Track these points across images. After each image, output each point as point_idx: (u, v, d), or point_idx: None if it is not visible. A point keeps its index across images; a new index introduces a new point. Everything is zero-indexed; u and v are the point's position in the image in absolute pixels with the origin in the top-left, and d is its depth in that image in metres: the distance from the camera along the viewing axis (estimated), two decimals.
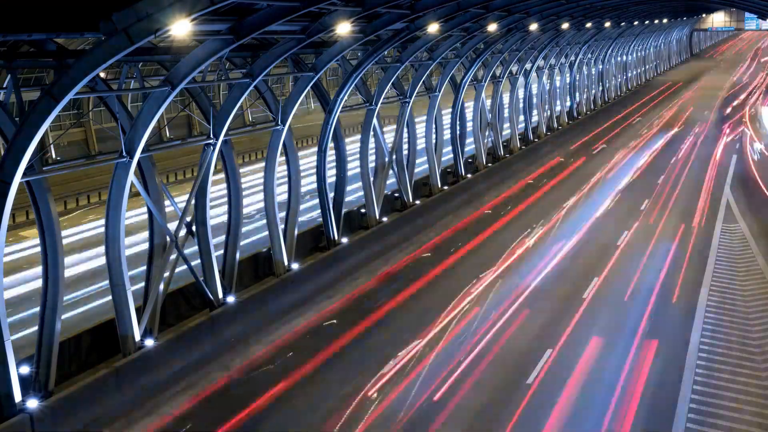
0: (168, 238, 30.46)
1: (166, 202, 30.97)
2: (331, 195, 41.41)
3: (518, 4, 45.38)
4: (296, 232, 38.48)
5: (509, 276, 39.42)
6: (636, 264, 40.66)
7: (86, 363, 28.40)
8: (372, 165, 46.14)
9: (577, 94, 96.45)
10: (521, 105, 75.75)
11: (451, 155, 58.28)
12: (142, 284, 30.34)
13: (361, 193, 45.83)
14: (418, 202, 50.46)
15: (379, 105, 45.20)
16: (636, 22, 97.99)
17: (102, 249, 28.23)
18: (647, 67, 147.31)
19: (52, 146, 64.08)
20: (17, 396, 24.10)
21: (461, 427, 25.22)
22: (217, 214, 41.80)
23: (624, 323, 33.00)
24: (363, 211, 45.83)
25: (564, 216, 51.28)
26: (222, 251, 34.07)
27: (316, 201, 41.32)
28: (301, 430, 25.61)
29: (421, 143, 53.44)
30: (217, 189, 39.78)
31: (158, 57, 31.89)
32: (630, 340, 31.20)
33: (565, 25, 64.04)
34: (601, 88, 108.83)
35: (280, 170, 37.33)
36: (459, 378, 28.41)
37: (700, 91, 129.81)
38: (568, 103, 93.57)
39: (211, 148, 31.96)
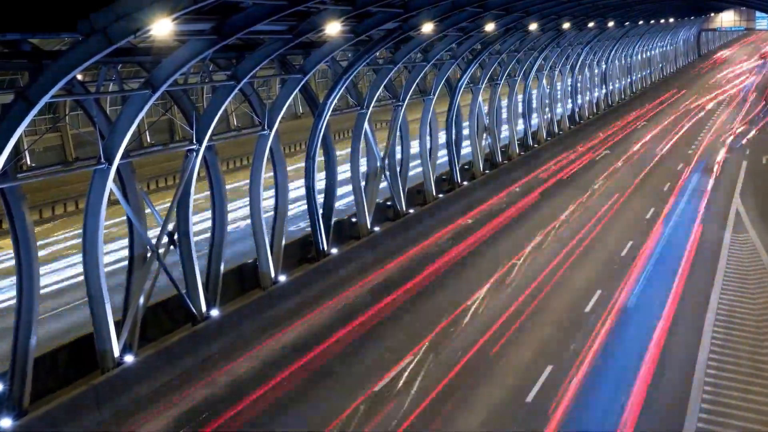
0: (149, 249, 30.52)
1: (147, 211, 31.11)
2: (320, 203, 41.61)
3: (517, 3, 45.56)
4: (284, 243, 38.56)
5: (504, 288, 39.57)
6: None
7: (63, 380, 28.41)
8: (363, 171, 46.27)
9: (579, 97, 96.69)
10: (520, 108, 75.96)
11: (447, 161, 58.38)
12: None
13: (352, 200, 45.94)
14: (411, 210, 50.56)
15: (370, 108, 45.32)
16: (641, 22, 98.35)
17: None
18: (653, 68, 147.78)
19: (26, 152, 64.03)
20: None
21: None
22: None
23: None
24: (354, 220, 45.92)
25: (562, 226, 51.42)
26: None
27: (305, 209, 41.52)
28: None
29: (414, 149, 53.58)
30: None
31: (138, 58, 31.99)
32: None
33: (566, 25, 64.30)
34: (604, 91, 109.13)
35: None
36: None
37: None
38: (570, 107, 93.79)
39: (194, 154, 32.05)
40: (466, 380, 29.46)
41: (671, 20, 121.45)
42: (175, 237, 32.13)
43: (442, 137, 57.73)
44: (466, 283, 40.51)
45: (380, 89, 46.12)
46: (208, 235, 34.65)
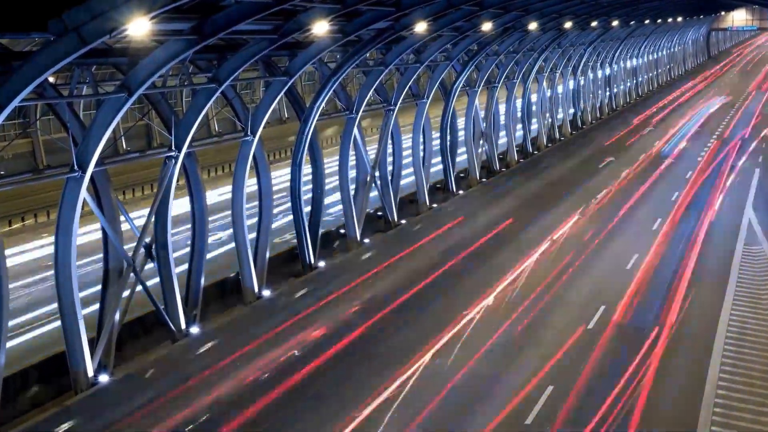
0: (125, 262, 30.54)
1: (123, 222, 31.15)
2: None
3: (515, 1, 45.78)
4: (268, 255, 38.61)
5: (508, 302, 39.63)
6: None
7: (34, 401, 28.43)
8: (352, 178, 46.37)
9: (582, 101, 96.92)
10: (519, 113, 76.12)
11: (441, 169, 58.50)
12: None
13: (341, 211, 46.01)
14: (404, 221, 50.63)
15: (360, 113, 45.43)
16: (647, 21, 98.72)
17: None
18: (660, 70, 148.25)
19: None
20: None
21: None
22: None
23: None
24: (342, 231, 45.99)
25: (560, 240, 51.53)
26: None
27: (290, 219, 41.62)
28: None
29: (407, 156, 53.68)
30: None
31: (114, 60, 32.09)
32: None
33: (567, 25, 64.53)
34: (608, 95, 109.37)
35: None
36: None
37: None
38: (572, 111, 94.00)
39: (173, 161, 32.10)
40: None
41: (679, 19, 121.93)
42: (153, 249, 32.18)
43: (436, 143, 57.87)
44: (462, 296, 40.52)
45: (371, 92, 46.27)
46: None
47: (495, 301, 39.60)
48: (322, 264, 41.79)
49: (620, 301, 38.45)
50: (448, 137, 58.48)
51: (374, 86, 46.24)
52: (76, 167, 27.40)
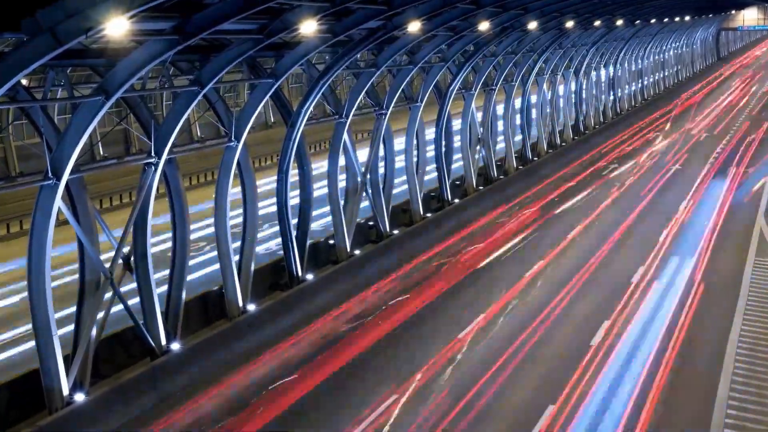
0: (102, 275, 30.52)
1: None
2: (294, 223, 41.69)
3: (513, 0, 45.86)
4: (253, 267, 38.62)
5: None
6: None
7: (4, 422, 28.38)
8: (342, 187, 46.35)
9: (584, 105, 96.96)
10: (518, 117, 76.11)
11: (436, 176, 58.52)
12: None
13: (330, 220, 46.01)
14: (396, 231, 50.63)
15: (350, 117, 45.45)
16: (653, 20, 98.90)
17: None
18: (666, 72, 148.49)
19: None
20: None
21: None
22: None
23: None
24: (331, 242, 45.98)
25: (569, 246, 51.68)
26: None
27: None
28: None
29: (400, 162, 53.69)
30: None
31: (90, 61, 32.13)
32: None
33: (569, 24, 64.59)
34: (612, 98, 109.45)
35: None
36: None
37: None
38: (574, 116, 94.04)
39: (153, 168, 32.10)
40: None
41: (687, 18, 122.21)
42: (132, 261, 32.17)
43: (430, 149, 57.88)
44: (458, 313, 40.60)
45: (361, 96, 46.27)
46: None
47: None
48: (310, 276, 41.78)
49: None
50: (443, 143, 58.45)
51: (365, 89, 46.25)
52: (50, 174, 27.40)
